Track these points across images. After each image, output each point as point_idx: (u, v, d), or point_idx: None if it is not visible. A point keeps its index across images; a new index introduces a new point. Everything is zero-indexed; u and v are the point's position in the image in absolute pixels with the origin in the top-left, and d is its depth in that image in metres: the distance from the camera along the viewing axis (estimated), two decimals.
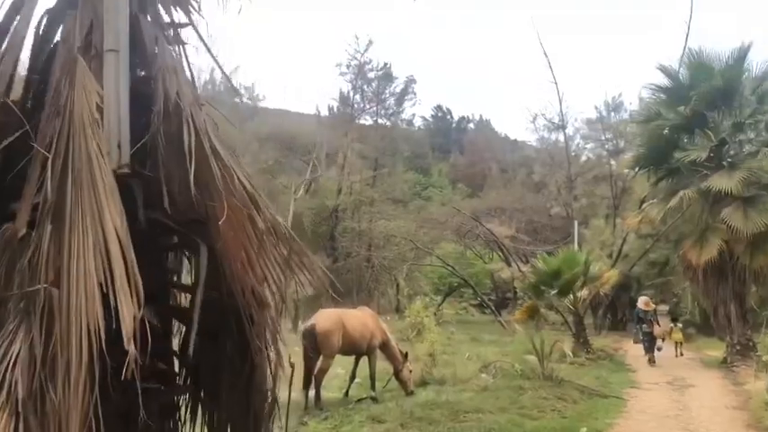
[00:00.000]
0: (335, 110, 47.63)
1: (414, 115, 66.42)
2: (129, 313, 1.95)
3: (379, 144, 43.40)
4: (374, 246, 36.90)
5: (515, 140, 64.49)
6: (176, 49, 2.77)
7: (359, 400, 11.12)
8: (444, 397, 11.07)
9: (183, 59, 2.69)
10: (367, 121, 47.29)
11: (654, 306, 19.87)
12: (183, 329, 2.90)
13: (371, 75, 45.59)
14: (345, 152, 39.16)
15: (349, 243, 37.31)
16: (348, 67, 43.86)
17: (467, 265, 39.91)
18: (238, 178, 2.31)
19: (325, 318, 11.19)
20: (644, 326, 18.66)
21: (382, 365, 12.09)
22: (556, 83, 36.26)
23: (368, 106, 46.48)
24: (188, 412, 3.08)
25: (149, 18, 2.66)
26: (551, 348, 13.86)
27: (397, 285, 31.50)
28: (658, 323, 19.15)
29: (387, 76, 47.30)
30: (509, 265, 33.77)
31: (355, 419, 9.45)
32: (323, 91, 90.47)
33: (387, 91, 47.82)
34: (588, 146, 43.52)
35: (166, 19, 2.81)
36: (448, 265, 35.61)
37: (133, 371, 1.91)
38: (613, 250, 30.97)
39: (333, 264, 37.11)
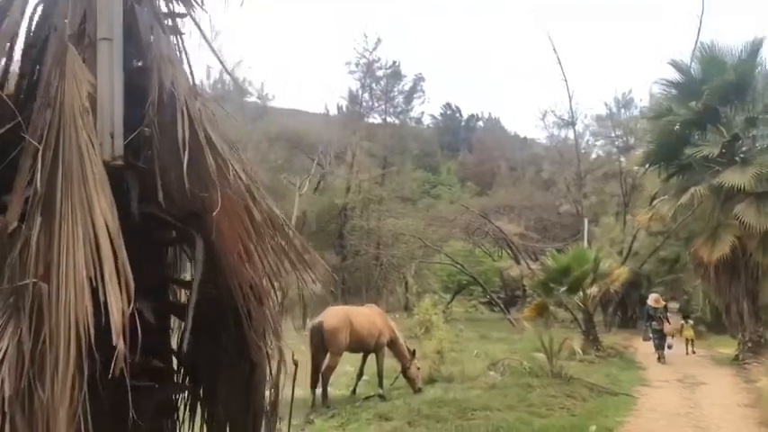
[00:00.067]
0: (344, 108, 47.64)
1: (422, 113, 66.33)
2: (117, 308, 1.89)
3: (387, 142, 43.34)
4: (383, 244, 36.87)
5: (525, 138, 64.27)
6: (174, 39, 2.70)
7: (366, 398, 11.08)
8: (452, 394, 11.01)
9: (180, 50, 2.62)
10: (376, 119, 47.27)
11: (664, 303, 19.68)
12: (183, 326, 2.85)
13: (380, 73, 45.58)
14: (354, 150, 39.13)
15: (358, 241, 37.29)
16: (357, 65, 43.88)
17: (476, 262, 39.77)
18: (233, 169, 2.24)
19: (332, 315, 11.17)
20: (654, 323, 18.49)
21: (390, 363, 12.04)
22: (566, 80, 36.09)
23: (376, 104, 46.46)
24: (186, 411, 3.02)
25: (145, 7, 2.59)
26: (560, 346, 13.76)
27: (406, 283, 31.45)
28: (668, 320, 18.97)
29: (395, 74, 47.25)
30: (518, 262, 33.64)
31: (362, 417, 9.42)
32: (332, 89, 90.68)
33: (395, 89, 47.77)
34: (598, 143, 43.26)
35: (164, 9, 2.74)
36: (457, 263, 35.51)
37: (122, 368, 1.86)
38: (623, 247, 30.75)
39: (342, 262, 37.15)
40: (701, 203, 17.30)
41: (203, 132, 2.26)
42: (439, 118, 73.69)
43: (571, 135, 40.40)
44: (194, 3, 2.88)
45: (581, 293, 18.62)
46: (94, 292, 1.94)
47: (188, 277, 3.02)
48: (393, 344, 11.76)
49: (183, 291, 2.82)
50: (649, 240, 29.64)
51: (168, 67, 2.36)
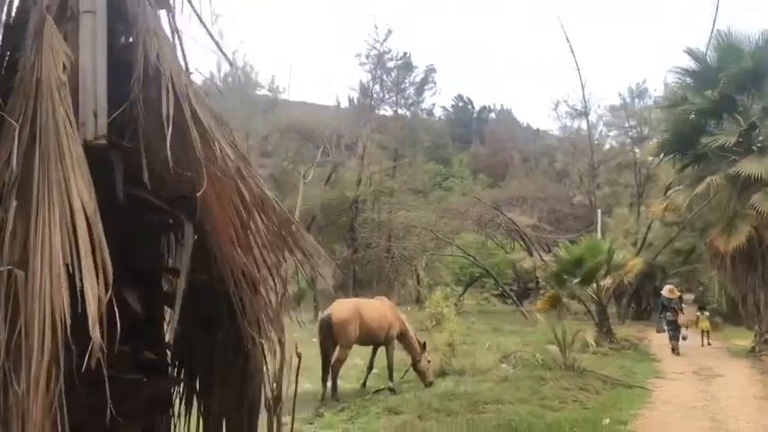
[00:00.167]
0: (356, 101, 47.49)
1: (434, 105, 66.14)
2: (93, 295, 1.77)
3: (398, 134, 43.19)
4: (394, 236, 36.77)
5: (537, 130, 63.84)
6: (166, 16, 2.57)
7: (376, 391, 10.99)
8: (463, 388, 10.89)
9: (173, 28, 2.48)
10: (387, 111, 47.12)
11: (679, 294, 19.48)
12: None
13: (391, 64, 45.37)
14: (365, 143, 39.00)
15: (369, 234, 37.21)
16: (367, 56, 43.69)
17: (488, 255, 39.56)
18: (220, 147, 2.10)
19: (341, 308, 11.08)
20: (668, 314, 18.29)
21: (401, 356, 11.94)
22: (578, 68, 35.73)
23: (387, 96, 46.28)
24: (182, 405, 2.91)
25: None
26: (573, 338, 13.60)
27: (417, 276, 31.36)
28: (682, 311, 18.75)
29: (406, 66, 47.03)
30: (531, 254, 33.41)
31: (372, 411, 9.32)
32: (343, 82, 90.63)
33: (406, 80, 47.58)
34: (611, 133, 42.89)
35: None
36: (469, 255, 35.33)
37: (99, 360, 1.74)
38: (637, 238, 30.46)
39: (353, 255, 37.13)
40: (717, 193, 17.02)
41: (189, 108, 2.13)
42: (450, 110, 73.41)
43: (584, 126, 40.05)
44: None
45: (594, 285, 18.44)
46: (72, 279, 1.82)
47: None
48: (403, 337, 11.65)
49: (176, 280, 2.70)
50: (664, 231, 29.33)
51: (154, 40, 2.23)
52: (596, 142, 40.72)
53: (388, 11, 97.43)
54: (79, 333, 1.76)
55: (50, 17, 2.14)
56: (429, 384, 11.43)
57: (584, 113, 38.65)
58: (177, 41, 2.38)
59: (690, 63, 17.92)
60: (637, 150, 36.33)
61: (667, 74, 34.20)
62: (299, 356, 4.65)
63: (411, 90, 48.32)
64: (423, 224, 34.94)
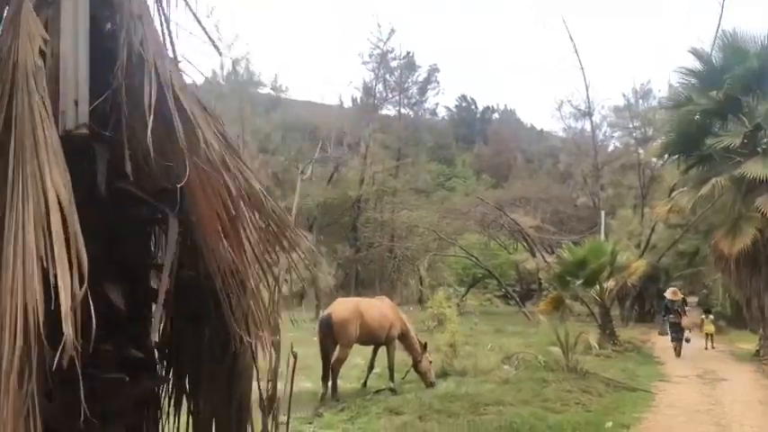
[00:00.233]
0: (359, 100, 47.48)
1: (437, 104, 66.16)
2: (66, 290, 1.68)
3: (401, 134, 43.17)
4: (397, 236, 36.74)
5: (541, 130, 63.72)
6: (153, 2, 2.46)
7: (377, 392, 10.90)
8: (464, 389, 10.79)
9: (158, 11, 2.38)
10: (390, 110, 47.10)
11: (682, 296, 19.39)
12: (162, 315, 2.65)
13: (394, 64, 45.36)
14: (368, 142, 38.96)
15: (371, 233, 37.19)
16: (371, 56, 43.68)
17: (491, 255, 39.49)
18: (204, 136, 2.00)
19: (342, 307, 10.99)
20: (671, 316, 18.20)
21: (402, 356, 11.85)
22: (582, 69, 35.69)
23: (390, 95, 46.26)
24: (171, 404, 2.82)
25: None
26: (576, 340, 13.48)
27: (420, 276, 31.29)
28: (686, 313, 18.67)
29: (410, 65, 47.05)
30: (534, 255, 33.31)
31: (372, 411, 9.23)
32: (347, 81, 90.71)
33: (409, 80, 47.57)
34: (615, 134, 42.75)
35: None
36: (471, 255, 35.24)
37: (73, 358, 1.65)
38: (641, 240, 30.36)
39: (355, 254, 37.10)
40: (722, 195, 16.87)
41: (172, 96, 2.03)
42: (454, 110, 73.43)
43: (588, 126, 39.99)
44: None
45: (597, 287, 18.36)
46: (47, 273, 1.73)
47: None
48: (404, 337, 11.56)
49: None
50: (668, 233, 29.21)
51: (138, 26, 2.13)
52: (600, 143, 40.65)
53: (392, 10, 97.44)
54: (59, 330, 1.67)
55: (29, 1, 2.06)
56: (430, 385, 11.34)
57: (588, 114, 38.61)
58: (165, 28, 2.30)
59: (695, 63, 17.78)
60: (641, 151, 36.17)
61: (672, 74, 34.09)
62: (295, 356, 4.57)
63: (414, 90, 48.36)
64: (425, 224, 34.89)
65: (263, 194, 2.24)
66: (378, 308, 11.50)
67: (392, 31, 43.08)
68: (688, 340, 18.14)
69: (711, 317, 20.60)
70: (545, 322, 17.77)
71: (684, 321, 18.31)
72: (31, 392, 1.69)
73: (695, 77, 17.95)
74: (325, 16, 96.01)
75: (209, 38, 2.18)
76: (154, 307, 2.67)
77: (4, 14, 2.13)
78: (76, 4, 2.05)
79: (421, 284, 30.22)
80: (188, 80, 2.48)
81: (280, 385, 4.58)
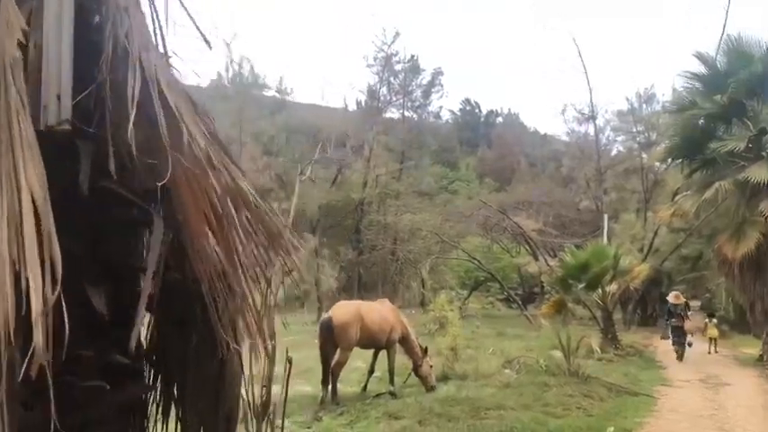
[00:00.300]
0: (363, 103, 47.52)
1: (441, 108, 66.05)
2: (37, 293, 1.61)
3: (405, 137, 43.16)
4: (399, 239, 36.68)
5: (545, 135, 63.61)
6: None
7: (377, 396, 10.84)
8: (465, 393, 10.73)
9: (149, 4, 2.31)
10: (394, 114, 47.12)
11: (684, 300, 19.32)
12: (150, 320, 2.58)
13: (398, 67, 45.39)
14: (371, 145, 38.94)
15: (374, 236, 37.13)
16: (375, 59, 43.71)
17: (493, 259, 39.38)
18: (188, 132, 1.93)
19: (342, 310, 10.94)
20: (673, 320, 18.13)
21: (403, 360, 11.78)
22: (586, 72, 35.65)
23: (394, 98, 46.28)
24: (159, 412, 2.75)
25: None
26: (578, 344, 13.41)
27: (422, 279, 31.20)
28: (688, 317, 18.60)
29: (414, 69, 47.07)
30: (536, 259, 33.19)
31: (372, 415, 9.17)
32: (351, 84, 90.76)
33: (413, 83, 47.58)
34: (619, 138, 42.66)
35: None
36: (474, 258, 35.14)
37: (43, 366, 1.58)
38: (644, 244, 30.27)
39: (358, 257, 37.05)
40: (726, 199, 16.81)
41: (157, 90, 1.97)
42: (458, 114, 73.37)
43: (591, 131, 39.90)
44: None
45: (600, 291, 18.26)
46: (19, 277, 1.66)
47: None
48: (405, 340, 11.49)
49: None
50: (671, 237, 29.13)
51: (125, 18, 2.07)
52: (603, 147, 40.56)
53: (396, 13, 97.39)
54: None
55: None
56: (431, 389, 11.27)
57: (592, 118, 38.51)
58: (155, 22, 2.24)
59: (699, 67, 17.75)
60: (644, 155, 36.07)
61: (676, 78, 34.02)
62: (290, 361, 4.54)
63: (418, 93, 48.38)
64: (428, 227, 34.80)
65: (252, 194, 2.18)
66: (378, 311, 11.44)
67: (396, 34, 43.16)
68: (690, 344, 18.06)
69: (715, 321, 20.51)
70: (547, 326, 17.70)
71: (687, 325, 18.26)
72: (3, 402, 1.62)
73: (699, 81, 17.91)
74: (330, 19, 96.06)
75: (199, 31, 2.12)
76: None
77: None
78: None
79: (423, 287, 30.14)
80: (179, 76, 2.44)
81: (276, 389, 4.56)
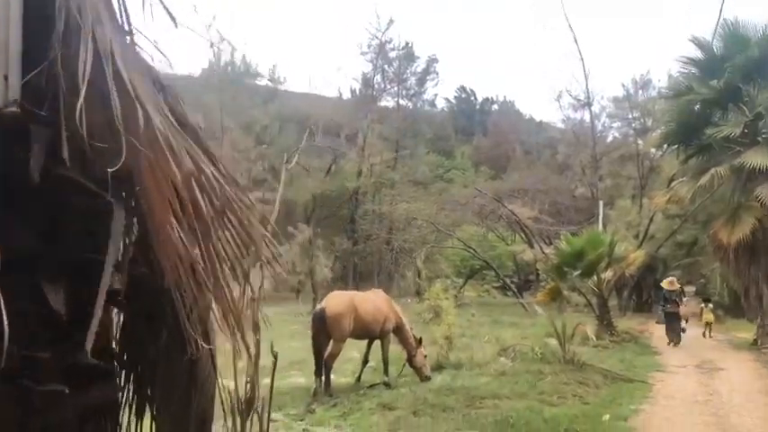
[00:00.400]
0: (357, 92, 47.20)
1: (436, 96, 65.77)
2: None
3: (400, 125, 42.92)
4: (395, 228, 36.56)
5: (540, 122, 63.44)
6: None
7: (371, 386, 10.75)
8: (460, 382, 10.67)
9: None
10: (388, 102, 46.84)
11: (679, 286, 19.37)
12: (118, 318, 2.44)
13: (392, 54, 45.06)
14: (366, 134, 38.73)
15: (369, 226, 37.02)
16: (369, 46, 43.39)
17: (489, 247, 39.34)
18: (144, 112, 1.77)
19: (335, 301, 10.82)
20: (668, 306, 18.16)
21: (398, 349, 11.69)
22: (582, 58, 35.50)
23: (389, 86, 45.97)
24: (132, 414, 2.62)
25: None
26: (573, 331, 13.36)
27: (417, 268, 31.14)
28: (683, 303, 18.68)
29: (408, 56, 46.72)
30: (532, 246, 33.18)
31: (365, 406, 9.07)
32: (345, 73, 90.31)
33: (408, 71, 47.23)
34: (615, 125, 42.58)
35: None
36: (469, 247, 35.08)
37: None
38: (640, 231, 30.25)
39: (353, 247, 36.95)
40: (721, 185, 16.75)
41: (111, 67, 1.81)
42: (453, 102, 73.03)
43: (587, 117, 39.75)
44: None
45: (595, 277, 18.23)
46: None
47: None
48: (399, 330, 11.39)
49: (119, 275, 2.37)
50: (666, 223, 29.12)
51: None
52: (599, 134, 40.46)
53: (387, 4, 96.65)
54: None
55: None
56: (425, 379, 11.19)
57: (588, 104, 38.37)
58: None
59: (695, 52, 17.61)
60: (640, 142, 35.98)
61: (672, 64, 33.88)
62: (275, 356, 4.42)
63: (413, 80, 48.03)
64: (423, 216, 34.68)
65: (217, 180, 2.03)
66: (372, 301, 11.33)
67: (391, 21, 42.84)
68: (684, 330, 18.15)
69: (711, 306, 20.56)
70: (542, 313, 17.65)
71: (682, 311, 18.32)
72: None
73: (696, 66, 17.77)
74: (323, 7, 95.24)
75: (163, 5, 1.96)
76: (115, 310, 2.48)
77: None
78: None
79: (419, 277, 30.06)
80: (148, 58, 2.29)
81: (267, 383, 4.44)
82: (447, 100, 70.30)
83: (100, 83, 1.77)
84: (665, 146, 20.58)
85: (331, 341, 10.42)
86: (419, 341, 11.42)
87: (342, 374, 11.58)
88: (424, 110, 54.70)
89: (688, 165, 19.13)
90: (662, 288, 19.44)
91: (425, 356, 11.53)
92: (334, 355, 10.37)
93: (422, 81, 48.80)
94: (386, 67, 45.14)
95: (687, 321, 18.79)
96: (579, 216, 36.16)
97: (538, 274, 33.15)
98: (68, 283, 1.98)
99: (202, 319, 2.28)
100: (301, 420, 8.37)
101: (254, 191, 26.31)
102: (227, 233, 2.25)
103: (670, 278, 19.71)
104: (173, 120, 1.96)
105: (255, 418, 4.07)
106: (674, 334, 17.70)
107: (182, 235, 1.93)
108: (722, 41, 17.25)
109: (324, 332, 10.41)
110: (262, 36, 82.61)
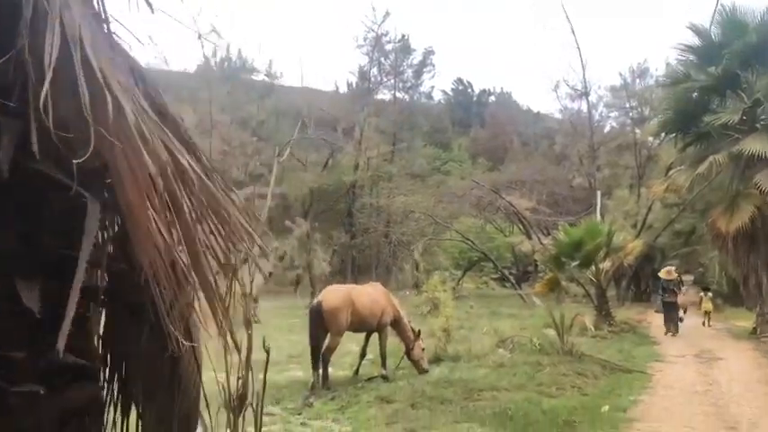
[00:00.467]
0: (354, 85, 47.01)
1: (432, 88, 65.56)
2: None
3: (397, 118, 42.78)
4: (392, 221, 36.51)
5: (538, 113, 63.24)
6: None
7: (369, 379, 10.69)
8: (458, 374, 10.64)
9: None
10: (385, 95, 46.66)
11: (677, 275, 19.34)
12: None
13: (389, 47, 44.86)
14: (362, 127, 38.59)
15: (367, 219, 36.97)
16: (365, 39, 43.19)
17: (487, 239, 39.30)
18: (115, 101, 1.69)
19: (332, 295, 10.76)
20: (666, 295, 18.14)
21: (396, 342, 11.64)
22: (579, 48, 35.36)
23: (385, 80, 45.79)
24: (116, 413, 2.55)
25: None
26: (572, 321, 13.33)
27: (415, 261, 31.10)
28: (681, 292, 18.66)
29: (404, 49, 46.51)
30: (530, 237, 33.10)
31: (363, 399, 9.03)
32: (342, 66, 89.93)
33: (404, 63, 47.03)
34: (612, 114, 42.53)
35: None
36: (467, 239, 35.03)
37: None
38: (638, 220, 30.22)
39: (351, 240, 36.90)
40: (720, 173, 16.68)
41: (80, 53, 1.72)
42: (450, 94, 72.74)
43: (584, 107, 39.64)
44: None
45: (593, 268, 18.20)
46: None
47: None
48: (396, 323, 11.33)
49: (96, 272, 2.29)
50: (664, 213, 29.07)
51: None
52: (596, 124, 40.42)
53: None
54: None
55: None
56: (423, 372, 11.14)
57: (585, 94, 38.27)
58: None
59: (693, 39, 17.52)
60: (637, 131, 35.92)
61: (670, 52, 33.74)
62: (268, 351, 4.36)
63: (409, 73, 47.85)
64: (421, 209, 34.61)
65: (196, 170, 1.95)
66: (369, 295, 11.26)
67: (387, 13, 42.69)
68: (682, 319, 18.15)
69: (710, 295, 20.55)
70: (540, 304, 17.61)
71: (680, 300, 18.31)
72: None
73: (693, 54, 17.68)
74: (320, 1, 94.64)
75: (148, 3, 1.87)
76: (92, 307, 2.40)
77: None
78: None
79: (417, 269, 30.02)
80: (127, 48, 2.20)
81: (262, 378, 4.39)
82: (444, 92, 70.12)
83: (68, 70, 1.68)
84: (663, 134, 20.54)
85: (328, 335, 10.37)
86: (417, 334, 11.36)
87: (340, 368, 11.53)
88: (420, 102, 54.51)
89: (686, 153, 19.05)
90: (660, 278, 19.41)
91: (423, 349, 11.47)
92: (331, 349, 10.32)
93: (418, 73, 48.62)
94: (382, 59, 44.95)
95: (686, 311, 18.79)
96: (577, 206, 36.09)
97: (536, 265, 33.11)
98: (44, 280, 1.91)
99: (183, 316, 2.20)
100: (299, 414, 8.32)
101: (250, 186, 26.18)
102: (210, 227, 2.17)
103: (668, 268, 19.68)
104: (149, 110, 1.88)
105: (249, 413, 4.02)
106: (672, 323, 17.70)
107: (161, 228, 1.85)
108: (720, 28, 17.15)
109: (321, 326, 10.34)
110: (258, 31, 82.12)
